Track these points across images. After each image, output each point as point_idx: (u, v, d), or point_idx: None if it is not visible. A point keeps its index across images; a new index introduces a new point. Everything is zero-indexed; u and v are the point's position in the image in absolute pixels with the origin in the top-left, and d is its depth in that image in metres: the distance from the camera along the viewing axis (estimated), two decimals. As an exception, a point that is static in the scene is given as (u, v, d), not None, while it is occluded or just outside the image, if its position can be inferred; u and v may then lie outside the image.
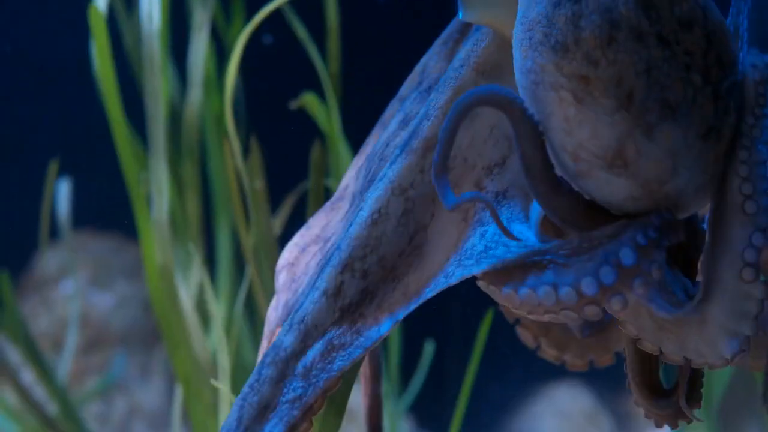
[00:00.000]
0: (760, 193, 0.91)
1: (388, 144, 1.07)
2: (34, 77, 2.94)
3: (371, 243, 0.98)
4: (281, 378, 0.97)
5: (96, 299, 3.13)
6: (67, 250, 2.70)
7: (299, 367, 0.96)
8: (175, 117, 2.08)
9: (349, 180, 1.16)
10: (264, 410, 0.96)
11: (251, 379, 0.97)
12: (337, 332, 0.97)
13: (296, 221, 1.87)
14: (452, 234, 0.99)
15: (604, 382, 2.61)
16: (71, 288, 2.91)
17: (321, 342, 0.97)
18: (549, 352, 1.24)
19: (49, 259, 3.13)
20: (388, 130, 1.09)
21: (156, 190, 1.80)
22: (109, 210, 2.54)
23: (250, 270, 1.85)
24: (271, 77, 2.44)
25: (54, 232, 2.67)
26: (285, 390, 0.96)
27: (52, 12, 2.71)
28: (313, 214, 1.79)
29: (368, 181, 1.07)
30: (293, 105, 1.91)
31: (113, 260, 3.24)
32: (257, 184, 1.75)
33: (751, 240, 0.91)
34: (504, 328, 1.28)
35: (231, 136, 1.69)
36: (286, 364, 0.97)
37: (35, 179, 2.73)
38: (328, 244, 1.08)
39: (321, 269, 1.01)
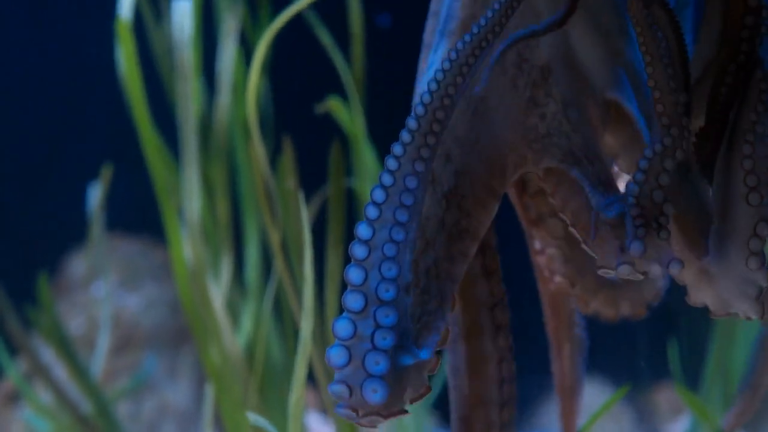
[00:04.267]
0: (764, 184, 0.95)
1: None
2: (64, 83, 3.00)
3: (436, 128, 1.02)
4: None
5: (126, 301, 3.19)
6: (99, 253, 2.76)
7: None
8: (204, 121, 2.13)
9: None
10: None
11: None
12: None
13: (321, 222, 1.92)
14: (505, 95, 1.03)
15: (625, 377, 2.64)
16: (102, 290, 2.97)
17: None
18: (582, 297, 1.27)
19: (80, 262, 3.19)
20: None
21: (187, 195, 1.85)
22: (137, 212, 2.59)
23: (277, 265, 1.90)
24: (298, 81, 2.49)
25: (85, 235, 2.73)
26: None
27: (83, 21, 2.77)
28: (334, 214, 1.85)
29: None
30: (319, 109, 1.96)
31: (142, 262, 3.30)
32: (290, 183, 1.80)
33: (755, 230, 0.95)
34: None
35: (255, 138, 1.74)
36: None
37: (66, 183, 2.79)
38: None
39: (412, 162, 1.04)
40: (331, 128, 2.01)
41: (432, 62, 1.12)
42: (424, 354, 0.99)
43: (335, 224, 1.80)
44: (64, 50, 2.81)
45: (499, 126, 1.05)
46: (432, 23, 1.15)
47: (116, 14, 1.77)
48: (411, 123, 1.01)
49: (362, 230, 1.02)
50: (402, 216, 1.02)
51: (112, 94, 2.23)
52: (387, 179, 1.02)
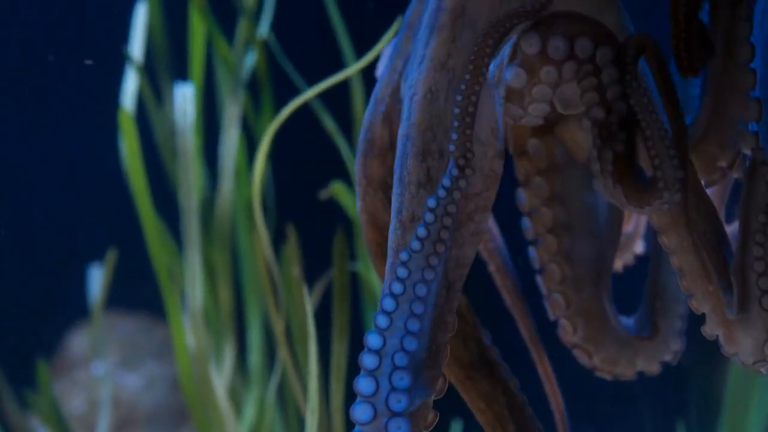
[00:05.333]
0: None
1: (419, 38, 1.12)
2: (66, 166, 3.00)
3: (434, 122, 1.03)
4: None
5: (125, 380, 3.16)
6: (98, 332, 2.74)
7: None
8: (206, 206, 2.13)
9: (389, 90, 1.17)
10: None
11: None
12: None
13: (325, 307, 1.90)
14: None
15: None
16: (102, 369, 2.94)
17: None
18: (601, 368, 1.26)
19: (81, 340, 3.16)
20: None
21: (189, 281, 1.84)
22: (136, 289, 2.57)
23: (281, 354, 1.88)
24: (301, 166, 2.49)
25: (85, 313, 2.71)
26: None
27: (87, 107, 2.78)
28: (338, 301, 1.83)
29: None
30: (323, 195, 1.95)
31: (141, 340, 3.28)
32: (294, 271, 1.79)
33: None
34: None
35: (260, 226, 1.73)
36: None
37: (66, 262, 2.78)
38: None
39: (400, 162, 1.04)
40: (335, 213, 2.01)
41: (417, 54, 1.10)
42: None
43: (340, 312, 1.78)
44: (67, 136, 2.81)
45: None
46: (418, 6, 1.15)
47: (119, 104, 1.77)
48: (420, 230, 1.00)
49: (372, 340, 1.00)
50: (414, 325, 1.00)
51: (113, 177, 2.23)
52: (397, 287, 1.00)
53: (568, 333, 1.26)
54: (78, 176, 2.87)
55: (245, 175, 2.12)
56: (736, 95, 1.05)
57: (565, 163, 1.26)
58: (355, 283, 2.01)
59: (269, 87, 2.14)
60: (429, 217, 1.00)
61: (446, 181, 1.00)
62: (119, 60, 2.04)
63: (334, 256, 1.85)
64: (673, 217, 1.02)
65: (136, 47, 2.04)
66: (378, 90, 1.16)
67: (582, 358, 1.26)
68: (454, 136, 0.99)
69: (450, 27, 1.06)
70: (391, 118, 1.13)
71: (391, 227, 1.05)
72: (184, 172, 1.85)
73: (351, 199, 1.98)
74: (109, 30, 2.20)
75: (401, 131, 1.07)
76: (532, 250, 1.27)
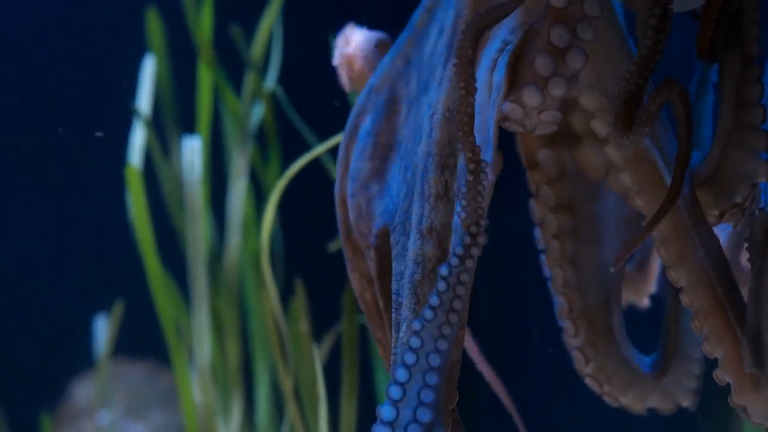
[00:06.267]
0: None
1: (434, 53, 1.13)
2: (72, 217, 3.00)
3: (452, 138, 1.06)
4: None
5: (131, 429, 3.13)
6: (104, 382, 2.72)
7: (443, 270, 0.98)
8: (213, 259, 2.11)
9: (386, 84, 1.18)
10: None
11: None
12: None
13: (334, 361, 1.88)
14: None
15: None
16: (107, 419, 2.91)
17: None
18: (611, 395, 1.25)
19: (85, 390, 3.14)
20: (429, 41, 1.15)
21: (197, 336, 1.82)
22: (141, 336, 2.56)
23: (290, 411, 1.86)
24: (309, 219, 2.48)
25: (90, 363, 2.70)
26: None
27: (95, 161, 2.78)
28: (348, 357, 1.81)
29: (423, 85, 1.14)
30: (331, 248, 1.94)
31: (147, 388, 3.25)
32: (302, 327, 1.78)
33: None
34: None
35: (268, 281, 1.71)
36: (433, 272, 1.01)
37: (72, 313, 2.76)
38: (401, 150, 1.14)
39: (421, 177, 1.07)
40: (342, 266, 1.99)
41: (435, 75, 1.10)
42: None
43: (349, 369, 1.76)
44: (75, 188, 2.81)
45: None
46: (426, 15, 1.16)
47: (126, 159, 1.77)
48: (433, 299, 0.99)
49: (385, 412, 0.98)
50: (428, 396, 0.98)
51: (121, 229, 2.22)
52: (410, 358, 0.99)
53: (570, 335, 1.26)
54: (85, 228, 2.86)
55: (253, 227, 2.11)
56: (748, 154, 1.05)
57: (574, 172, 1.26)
58: (364, 337, 1.99)
59: (277, 139, 2.14)
60: (442, 285, 0.99)
61: (459, 249, 0.99)
62: (126, 113, 2.04)
63: (343, 310, 1.83)
64: (681, 250, 1.01)
65: (144, 100, 2.04)
66: (375, 82, 1.17)
67: (579, 362, 1.25)
68: (464, 202, 0.98)
69: None
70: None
71: (411, 239, 1.05)
72: (192, 225, 1.84)
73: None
74: (117, 83, 2.21)
75: (423, 148, 1.09)
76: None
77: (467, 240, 0.98)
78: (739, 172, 1.05)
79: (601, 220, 1.26)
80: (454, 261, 0.98)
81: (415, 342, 0.99)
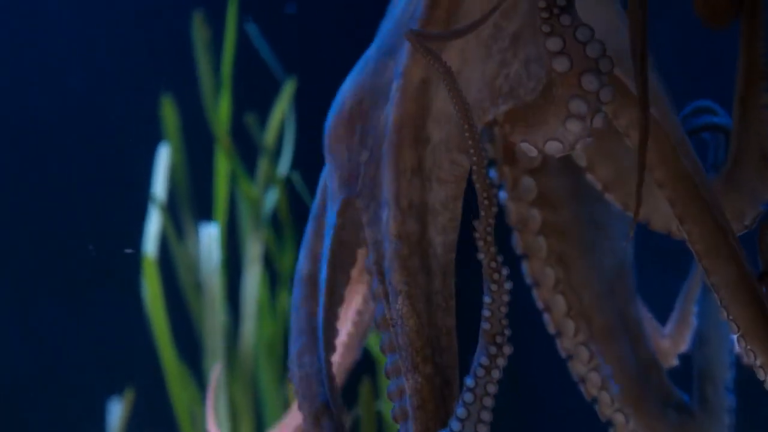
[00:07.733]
0: None
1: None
2: (88, 306, 3.00)
3: (422, 112, 1.03)
4: None
5: None
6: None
7: None
8: (229, 344, 2.11)
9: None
10: None
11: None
12: None
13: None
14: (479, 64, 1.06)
15: None
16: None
17: None
18: None
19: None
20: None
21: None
22: (157, 425, 2.55)
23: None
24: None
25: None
26: None
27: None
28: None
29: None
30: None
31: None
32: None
33: None
34: None
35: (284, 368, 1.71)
36: None
37: (85, 399, 2.75)
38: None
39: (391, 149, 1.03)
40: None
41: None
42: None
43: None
44: (93, 277, 2.82)
45: (470, 90, 1.04)
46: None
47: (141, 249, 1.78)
48: (460, 411, 0.98)
49: None
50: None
51: (136, 317, 2.22)
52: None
53: (568, 337, 1.23)
54: (100, 314, 2.87)
55: (267, 312, 2.11)
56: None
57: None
58: (381, 422, 1.99)
59: (291, 224, 2.15)
60: (468, 397, 0.99)
61: (483, 360, 0.99)
62: (142, 201, 2.06)
63: (359, 397, 1.83)
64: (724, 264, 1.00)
65: (159, 187, 2.05)
66: (349, 88, 1.16)
67: (561, 343, 1.23)
68: (488, 313, 0.98)
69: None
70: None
71: (388, 213, 1.03)
72: (210, 312, 1.84)
73: (374, 339, 1.96)
74: (133, 172, 2.22)
75: (386, 116, 1.07)
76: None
77: (493, 350, 0.98)
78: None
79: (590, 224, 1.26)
80: (480, 372, 0.98)
81: (442, 454, 0.98)
